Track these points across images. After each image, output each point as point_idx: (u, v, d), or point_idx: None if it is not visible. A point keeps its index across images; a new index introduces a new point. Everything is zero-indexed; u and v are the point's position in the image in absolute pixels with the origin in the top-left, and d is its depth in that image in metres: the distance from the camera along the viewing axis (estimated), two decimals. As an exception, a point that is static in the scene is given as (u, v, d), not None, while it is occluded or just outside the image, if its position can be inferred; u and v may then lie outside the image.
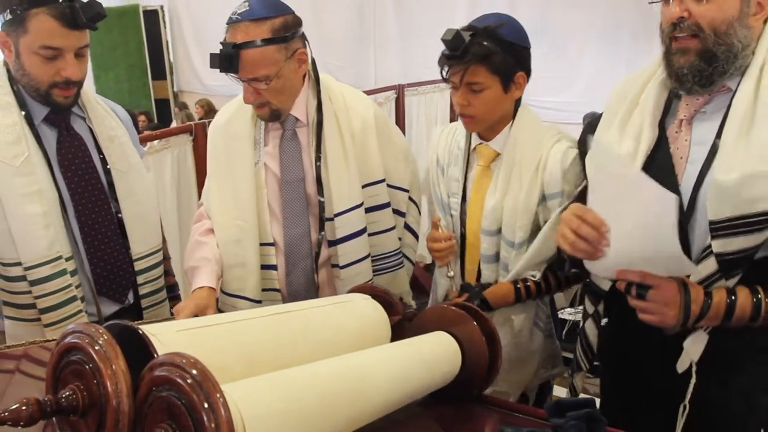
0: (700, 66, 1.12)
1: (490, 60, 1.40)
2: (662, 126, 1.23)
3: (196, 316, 1.37)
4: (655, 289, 1.11)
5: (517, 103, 1.52)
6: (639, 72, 1.32)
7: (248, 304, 1.57)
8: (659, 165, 1.20)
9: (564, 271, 1.45)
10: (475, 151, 1.57)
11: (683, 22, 1.11)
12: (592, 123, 1.41)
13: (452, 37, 1.39)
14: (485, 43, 1.40)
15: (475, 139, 1.56)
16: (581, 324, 1.44)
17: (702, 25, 1.10)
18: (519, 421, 1.08)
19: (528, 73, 1.48)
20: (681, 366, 1.20)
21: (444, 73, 1.47)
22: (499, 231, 1.50)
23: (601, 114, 1.38)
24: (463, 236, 1.59)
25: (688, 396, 1.19)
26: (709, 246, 1.12)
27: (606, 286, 1.30)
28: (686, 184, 1.18)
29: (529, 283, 1.49)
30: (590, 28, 5.95)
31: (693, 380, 1.18)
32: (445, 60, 1.44)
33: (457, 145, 1.60)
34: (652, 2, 1.17)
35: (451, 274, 1.55)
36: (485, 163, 1.54)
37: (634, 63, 5.76)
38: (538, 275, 1.49)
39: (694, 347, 1.18)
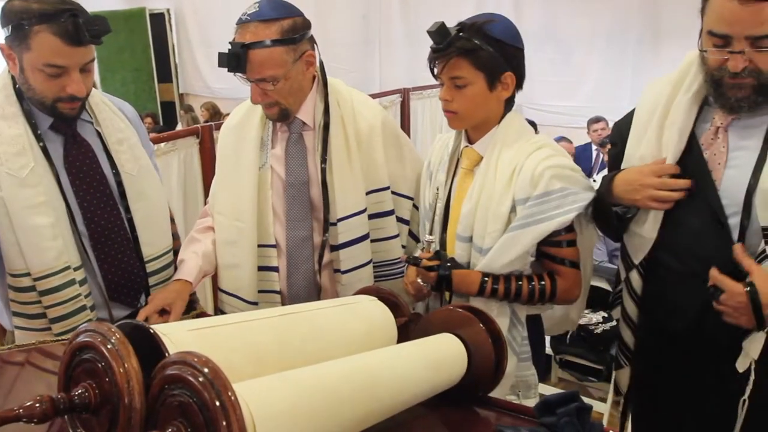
0: (756, 98, 1.21)
1: (474, 54, 1.36)
2: (692, 133, 1.31)
3: (162, 309, 1.45)
4: (726, 295, 1.20)
5: (508, 106, 1.47)
6: (663, 82, 1.39)
7: (244, 304, 1.59)
8: (692, 170, 1.30)
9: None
10: (462, 155, 1.52)
11: (745, 70, 1.19)
12: (619, 126, 1.53)
13: (436, 29, 1.36)
14: (470, 37, 1.35)
15: (463, 142, 1.52)
16: (618, 323, 1.55)
17: (763, 70, 1.18)
18: (523, 423, 1.08)
19: (518, 74, 1.43)
20: (741, 366, 1.24)
21: (432, 70, 1.44)
22: (471, 238, 1.45)
23: (627, 117, 1.48)
24: (444, 242, 1.53)
25: (748, 392, 1.24)
26: (764, 250, 1.21)
27: (639, 257, 1.42)
28: (728, 188, 1.26)
29: (498, 285, 1.41)
30: (596, 33, 5.96)
31: (752, 378, 1.23)
32: (432, 53, 1.40)
33: (447, 150, 1.56)
34: (703, 51, 1.24)
35: (431, 238, 1.49)
36: (468, 167, 1.49)
37: (640, 68, 5.78)
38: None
39: (753, 347, 1.23)
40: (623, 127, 1.48)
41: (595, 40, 6.00)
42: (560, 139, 5.10)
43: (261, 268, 1.60)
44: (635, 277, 1.46)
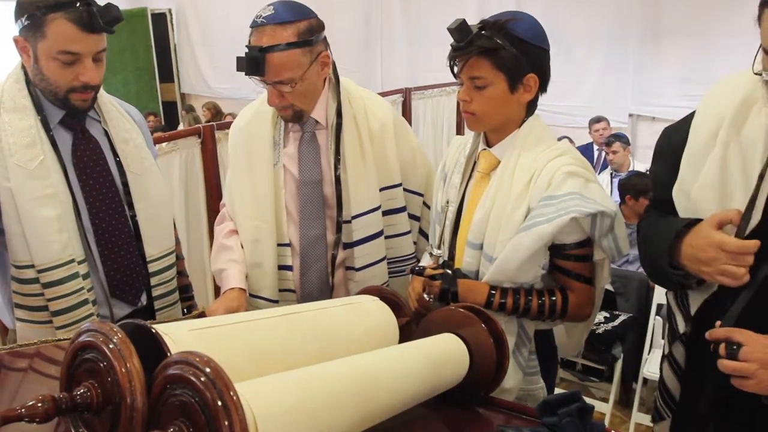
0: None
1: (495, 54, 1.29)
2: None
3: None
4: (749, 348, 0.97)
5: (530, 109, 1.40)
6: (731, 87, 1.14)
7: (266, 303, 1.59)
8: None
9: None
10: (479, 158, 1.46)
11: None
12: (669, 136, 1.27)
13: (457, 26, 1.30)
14: (492, 36, 1.29)
15: (481, 144, 1.46)
16: (660, 367, 1.36)
17: None
18: (525, 424, 1.08)
19: (542, 76, 1.36)
20: None
21: (452, 68, 1.38)
22: (482, 246, 1.38)
23: (682, 124, 1.24)
24: (453, 248, 1.47)
25: None
26: None
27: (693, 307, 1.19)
28: None
29: (506, 299, 1.34)
30: (597, 32, 5.95)
31: None
32: (452, 52, 1.34)
33: (464, 152, 1.51)
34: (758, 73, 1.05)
35: (439, 252, 1.46)
36: (485, 171, 1.42)
37: (641, 67, 5.77)
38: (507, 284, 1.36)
39: None
40: (675, 136, 1.23)
41: (596, 40, 5.99)
42: (562, 140, 5.10)
43: (278, 267, 1.61)
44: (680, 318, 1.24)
